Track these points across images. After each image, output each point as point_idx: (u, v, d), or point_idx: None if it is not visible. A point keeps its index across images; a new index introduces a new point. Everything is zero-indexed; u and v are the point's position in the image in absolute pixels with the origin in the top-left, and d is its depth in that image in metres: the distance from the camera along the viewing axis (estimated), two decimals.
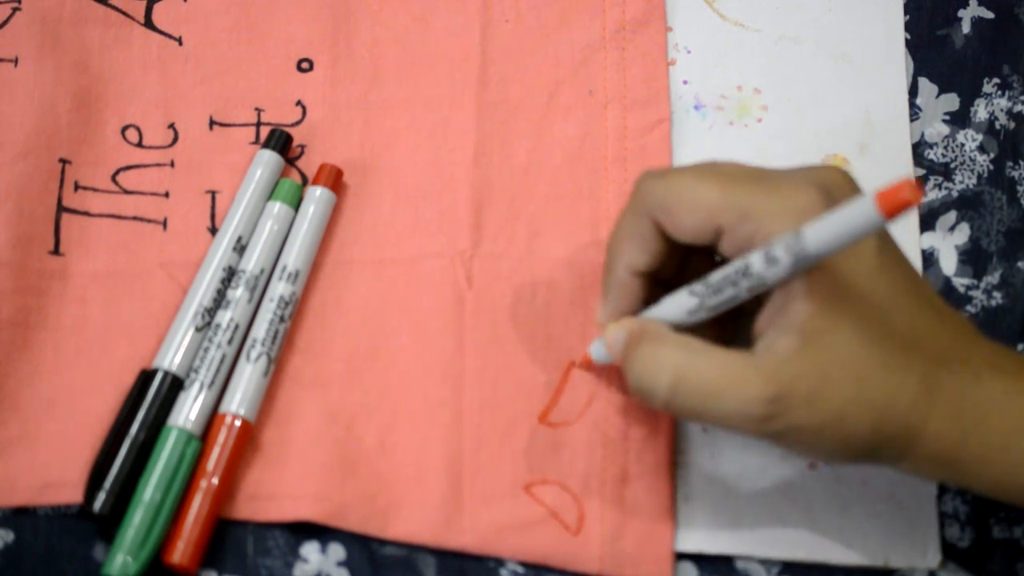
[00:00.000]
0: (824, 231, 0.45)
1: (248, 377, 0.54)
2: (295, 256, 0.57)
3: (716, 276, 0.49)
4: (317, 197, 0.58)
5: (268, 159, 0.58)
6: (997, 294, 0.59)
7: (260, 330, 0.55)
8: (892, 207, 0.42)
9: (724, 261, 0.49)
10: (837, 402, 0.47)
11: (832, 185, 0.48)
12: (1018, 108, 0.62)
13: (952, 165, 0.61)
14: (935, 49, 0.63)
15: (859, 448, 0.48)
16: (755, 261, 0.47)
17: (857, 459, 0.48)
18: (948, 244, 0.60)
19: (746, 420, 0.47)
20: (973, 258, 0.59)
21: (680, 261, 0.52)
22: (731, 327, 0.52)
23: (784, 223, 0.47)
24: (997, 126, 0.62)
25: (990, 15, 0.63)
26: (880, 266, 0.48)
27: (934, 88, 0.62)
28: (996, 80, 0.62)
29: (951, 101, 0.62)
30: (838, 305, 0.47)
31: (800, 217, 0.46)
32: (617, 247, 0.52)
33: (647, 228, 0.50)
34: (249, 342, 0.55)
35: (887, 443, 0.48)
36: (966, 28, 0.63)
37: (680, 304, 0.50)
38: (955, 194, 0.60)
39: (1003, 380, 0.48)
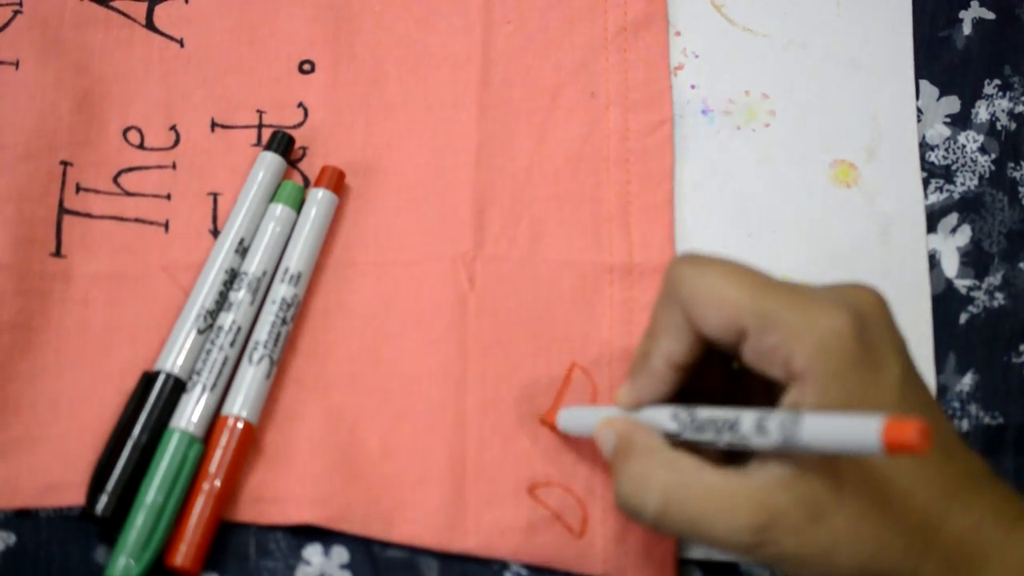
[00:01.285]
0: (822, 430, 0.43)
1: (250, 379, 0.54)
2: (297, 258, 0.56)
3: (703, 414, 0.48)
4: (319, 199, 0.58)
5: (270, 161, 0.58)
6: (999, 295, 0.59)
7: (262, 332, 0.55)
8: (895, 444, 0.41)
9: (741, 370, 0.48)
10: (826, 537, 0.46)
11: (865, 309, 0.47)
12: (1019, 109, 0.62)
13: (953, 167, 0.61)
14: (936, 50, 0.63)
15: None
16: (745, 421, 0.46)
17: None
18: (950, 246, 0.60)
19: (734, 547, 0.46)
20: (975, 259, 0.59)
21: (708, 354, 0.50)
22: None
23: (808, 341, 0.45)
24: (998, 127, 0.62)
25: (991, 16, 0.63)
26: (899, 404, 0.46)
27: (935, 90, 0.62)
28: (997, 81, 0.62)
29: (952, 103, 0.62)
30: None
31: (825, 340, 0.45)
32: (654, 336, 0.50)
33: (680, 319, 0.49)
34: (251, 344, 0.55)
35: None
36: (967, 29, 0.63)
37: (661, 423, 0.49)
38: (956, 196, 0.60)
39: (1004, 527, 0.47)
